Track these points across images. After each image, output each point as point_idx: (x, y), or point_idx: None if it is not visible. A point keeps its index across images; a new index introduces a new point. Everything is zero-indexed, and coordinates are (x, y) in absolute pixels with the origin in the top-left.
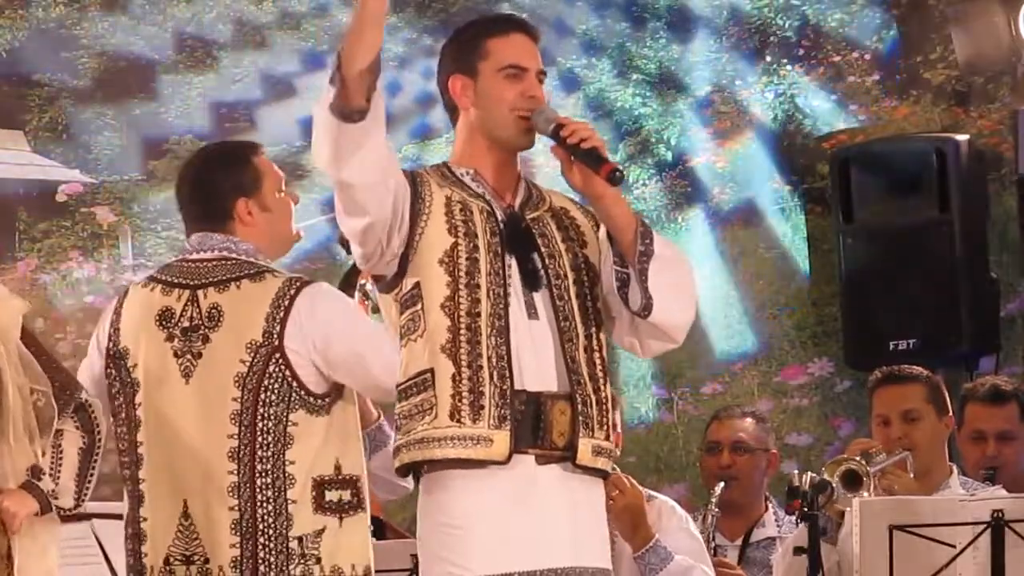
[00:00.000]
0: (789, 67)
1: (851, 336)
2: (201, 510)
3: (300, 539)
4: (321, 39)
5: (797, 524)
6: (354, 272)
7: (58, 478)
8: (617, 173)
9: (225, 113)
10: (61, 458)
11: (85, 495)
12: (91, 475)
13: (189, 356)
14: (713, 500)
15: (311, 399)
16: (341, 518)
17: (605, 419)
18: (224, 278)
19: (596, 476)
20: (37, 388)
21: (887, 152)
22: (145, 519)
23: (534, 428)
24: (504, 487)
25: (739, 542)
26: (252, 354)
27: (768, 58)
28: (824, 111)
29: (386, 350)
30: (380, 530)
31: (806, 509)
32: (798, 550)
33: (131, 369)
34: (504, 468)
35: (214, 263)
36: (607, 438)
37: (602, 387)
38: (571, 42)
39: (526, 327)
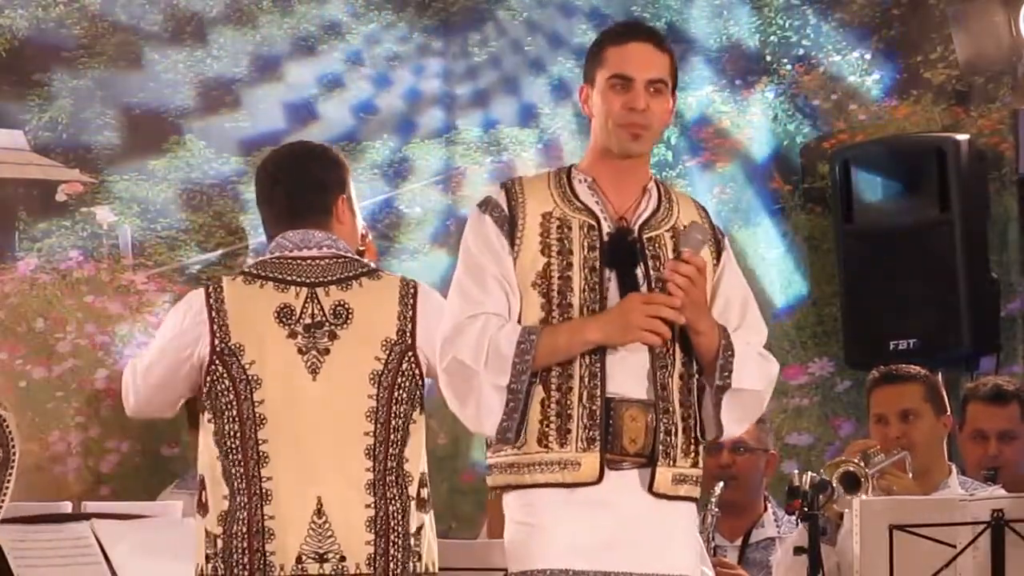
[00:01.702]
0: (789, 66)
1: (851, 336)
2: (337, 507)
3: (414, 535)
4: (312, 28)
5: (797, 524)
6: None
7: None
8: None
9: (216, 94)
10: None
11: (0, 507)
12: (6, 488)
13: (315, 353)
14: (713, 500)
15: (423, 397)
16: (428, 515)
17: (692, 447)
18: (343, 276)
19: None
20: None
21: (887, 152)
22: (272, 517)
23: (603, 432)
24: (579, 490)
25: (739, 542)
26: (387, 352)
27: (768, 57)
28: (824, 110)
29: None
30: None
31: (806, 509)
32: (798, 550)
33: (247, 366)
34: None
35: (326, 261)
36: (694, 465)
37: (691, 414)
38: (566, 50)
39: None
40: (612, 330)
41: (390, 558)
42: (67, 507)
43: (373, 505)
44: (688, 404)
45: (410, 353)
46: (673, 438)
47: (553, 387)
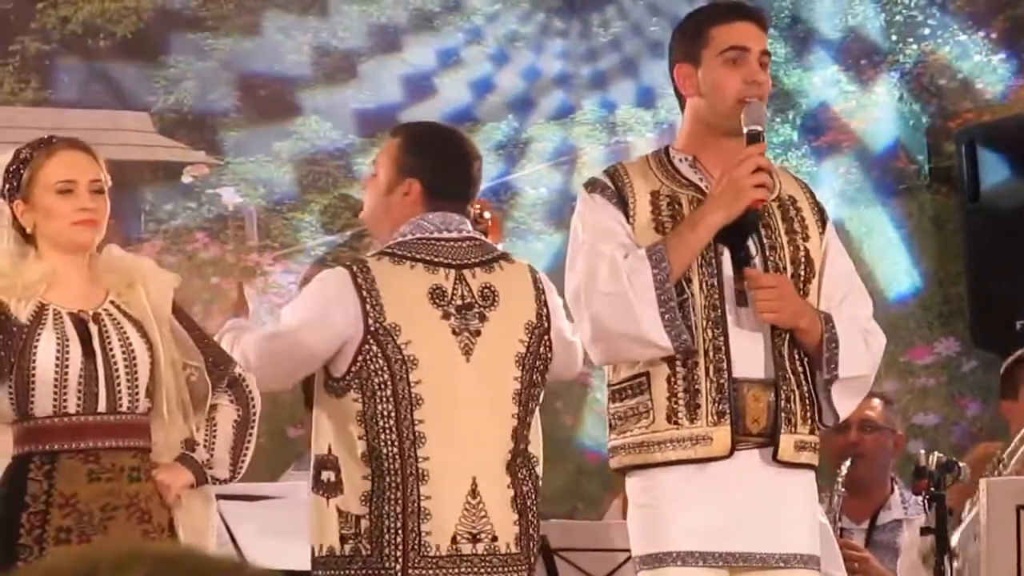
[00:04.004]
0: (915, 46)
1: (977, 316)
2: (490, 488)
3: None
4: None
5: (924, 505)
6: None
7: (213, 451)
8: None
9: (340, 79)
10: (216, 431)
11: (241, 467)
12: (247, 447)
13: (467, 334)
14: (840, 479)
15: None
16: None
17: (809, 413)
18: (485, 259)
19: (801, 470)
20: (190, 363)
21: (1013, 131)
22: (428, 497)
23: (732, 406)
24: (702, 470)
25: (865, 525)
26: (530, 334)
27: (894, 37)
28: (951, 90)
29: (575, 338)
30: None
31: (933, 489)
32: (925, 530)
33: (403, 346)
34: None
35: (467, 244)
36: (812, 432)
37: (805, 381)
38: None
39: (736, 314)
40: (726, 202)
41: (530, 538)
42: None
43: (512, 485)
44: (804, 375)
45: (546, 336)
46: (793, 405)
47: (678, 363)
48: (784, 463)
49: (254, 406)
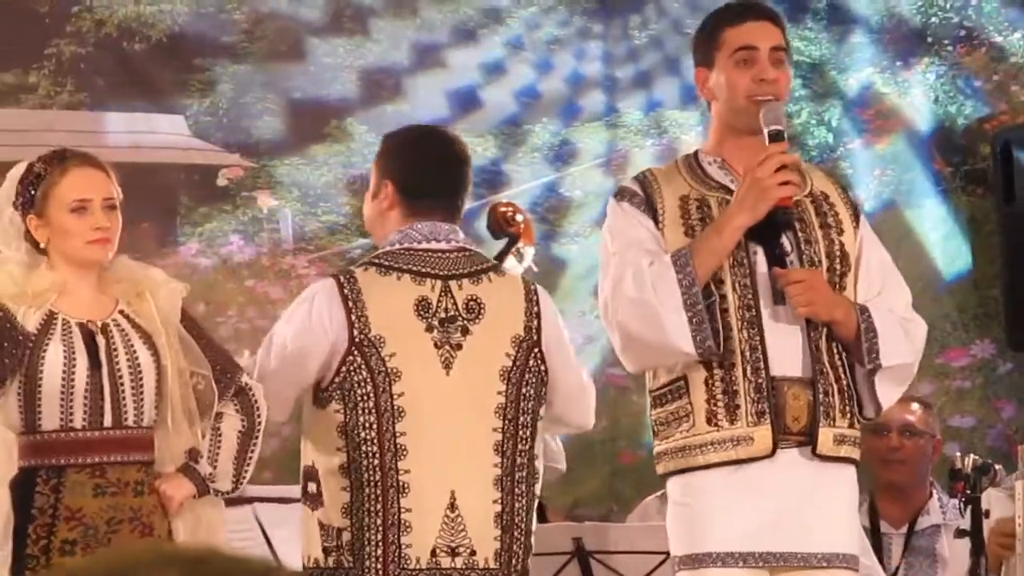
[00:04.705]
0: (950, 48)
1: (1013, 318)
2: (470, 502)
3: (533, 533)
4: (474, 14)
5: (960, 508)
6: (502, 257)
7: (216, 461)
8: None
9: (381, 93)
10: (220, 441)
11: (244, 478)
12: (250, 458)
13: (448, 347)
14: None
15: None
16: None
17: (848, 407)
18: (473, 270)
19: (843, 463)
20: (197, 371)
21: None
22: (409, 510)
23: (771, 406)
24: (741, 470)
25: (904, 529)
26: (516, 348)
27: (929, 39)
28: (985, 92)
29: (585, 375)
30: (542, 513)
31: (969, 492)
32: (960, 532)
33: (387, 358)
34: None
35: (455, 254)
36: (851, 426)
37: (843, 375)
38: None
39: (772, 312)
40: (750, 203)
41: (512, 554)
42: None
43: (500, 501)
44: (838, 365)
45: (536, 350)
46: (831, 399)
47: (715, 365)
48: (824, 457)
49: (259, 416)
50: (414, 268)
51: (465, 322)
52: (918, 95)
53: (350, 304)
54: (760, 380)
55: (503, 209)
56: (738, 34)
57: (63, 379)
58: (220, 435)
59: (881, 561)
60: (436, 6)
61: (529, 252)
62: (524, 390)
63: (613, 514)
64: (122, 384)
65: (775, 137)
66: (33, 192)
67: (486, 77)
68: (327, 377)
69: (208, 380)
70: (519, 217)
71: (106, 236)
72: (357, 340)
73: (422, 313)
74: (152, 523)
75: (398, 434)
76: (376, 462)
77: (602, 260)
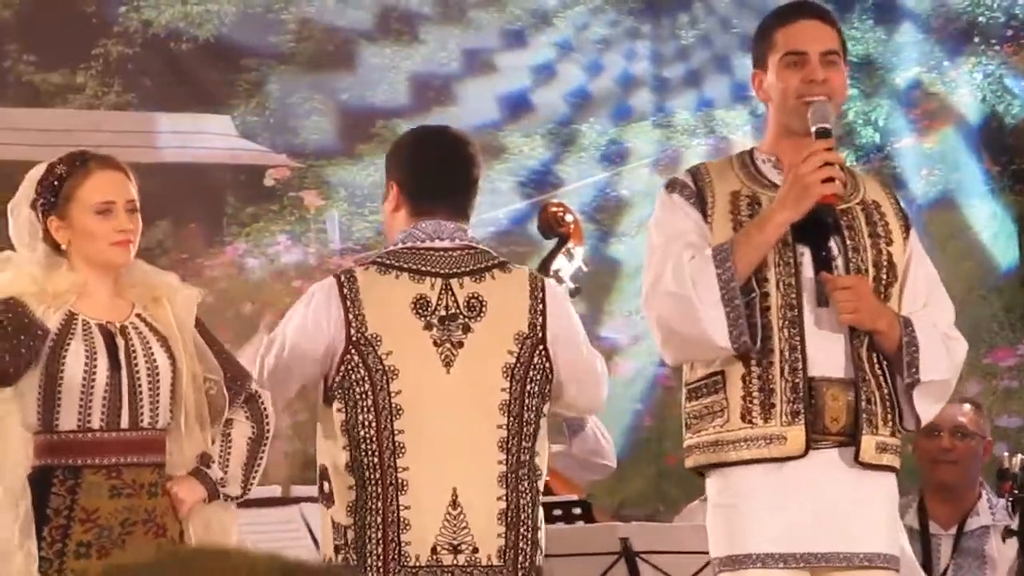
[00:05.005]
0: (997, 47)
1: None
2: (472, 499)
3: (540, 530)
4: (524, 18)
5: (1008, 508)
6: (552, 256)
7: (227, 467)
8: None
9: (431, 96)
10: (230, 447)
11: (252, 483)
12: (259, 464)
13: (449, 345)
14: None
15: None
16: None
17: (890, 415)
18: (476, 268)
19: (883, 471)
20: (210, 377)
21: None
22: (408, 507)
23: (807, 406)
24: (779, 469)
25: (953, 530)
26: (519, 345)
27: (976, 39)
28: None
29: (599, 365)
30: (589, 513)
31: (1017, 492)
32: (1008, 532)
33: (384, 356)
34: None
35: (458, 252)
36: (893, 434)
37: (885, 383)
38: None
39: (815, 315)
40: (792, 200)
41: (519, 551)
42: (276, 491)
43: (504, 498)
44: (885, 377)
45: (541, 347)
46: (874, 407)
47: (753, 362)
48: (865, 464)
49: (268, 423)
50: (414, 266)
51: (467, 320)
52: (965, 94)
53: (348, 303)
54: (797, 380)
55: (553, 209)
56: (788, 36)
57: (84, 378)
58: (230, 441)
59: (930, 562)
60: (484, 9)
61: (579, 252)
62: (528, 387)
63: (660, 515)
64: (140, 386)
65: (821, 135)
66: (55, 194)
67: (536, 79)
68: (330, 376)
69: (220, 386)
70: (569, 217)
71: (129, 238)
72: (354, 339)
73: (420, 311)
74: (165, 524)
75: (396, 432)
76: (375, 460)
77: (647, 250)
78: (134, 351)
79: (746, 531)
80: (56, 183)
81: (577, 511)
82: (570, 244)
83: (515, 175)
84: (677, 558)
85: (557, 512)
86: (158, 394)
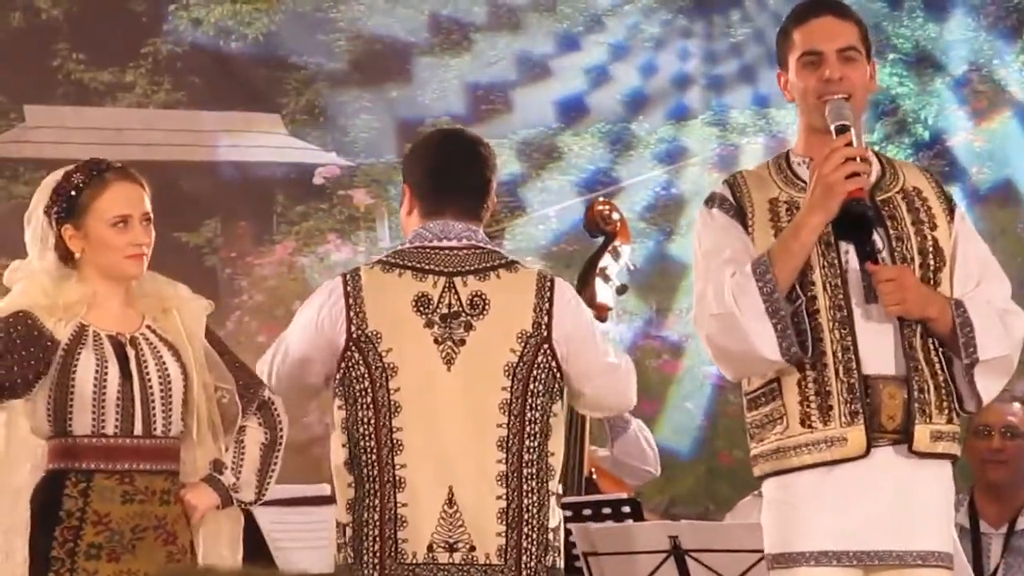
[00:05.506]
0: None
1: None
2: (469, 498)
3: (554, 531)
4: (576, 20)
5: None
6: (598, 255)
7: (240, 473)
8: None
9: (481, 95)
10: (243, 454)
11: (266, 489)
12: (272, 470)
13: (450, 343)
14: None
15: (563, 390)
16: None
17: (945, 403)
18: (481, 267)
19: (939, 460)
20: (222, 386)
21: None
22: (405, 504)
23: (864, 405)
24: (837, 469)
25: (1003, 529)
26: (523, 344)
27: (1019, 44)
28: None
29: (622, 363)
30: (638, 511)
31: None
32: None
33: (384, 354)
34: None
35: (464, 251)
36: (949, 422)
37: (940, 371)
38: None
39: (864, 311)
40: (820, 202)
41: (523, 551)
42: (325, 490)
43: (505, 497)
44: (933, 361)
45: (545, 346)
46: (927, 395)
47: (807, 366)
48: (920, 454)
49: (281, 429)
50: (417, 265)
51: (469, 318)
52: (1017, 91)
53: (350, 301)
54: (852, 380)
55: (599, 208)
56: (804, 35)
57: (95, 386)
58: (243, 447)
59: (980, 561)
60: (536, 14)
61: (626, 250)
62: (532, 386)
63: (710, 513)
64: (152, 394)
65: (840, 132)
66: (71, 203)
67: (591, 82)
68: (333, 375)
69: (232, 395)
70: (615, 216)
71: (143, 251)
72: (355, 336)
73: (421, 309)
74: (176, 532)
75: (395, 429)
76: (373, 457)
77: (693, 267)
78: (145, 361)
79: (800, 529)
80: (73, 192)
81: (626, 509)
82: (616, 242)
83: (570, 175)
84: (727, 556)
85: (606, 511)
86: (170, 403)
